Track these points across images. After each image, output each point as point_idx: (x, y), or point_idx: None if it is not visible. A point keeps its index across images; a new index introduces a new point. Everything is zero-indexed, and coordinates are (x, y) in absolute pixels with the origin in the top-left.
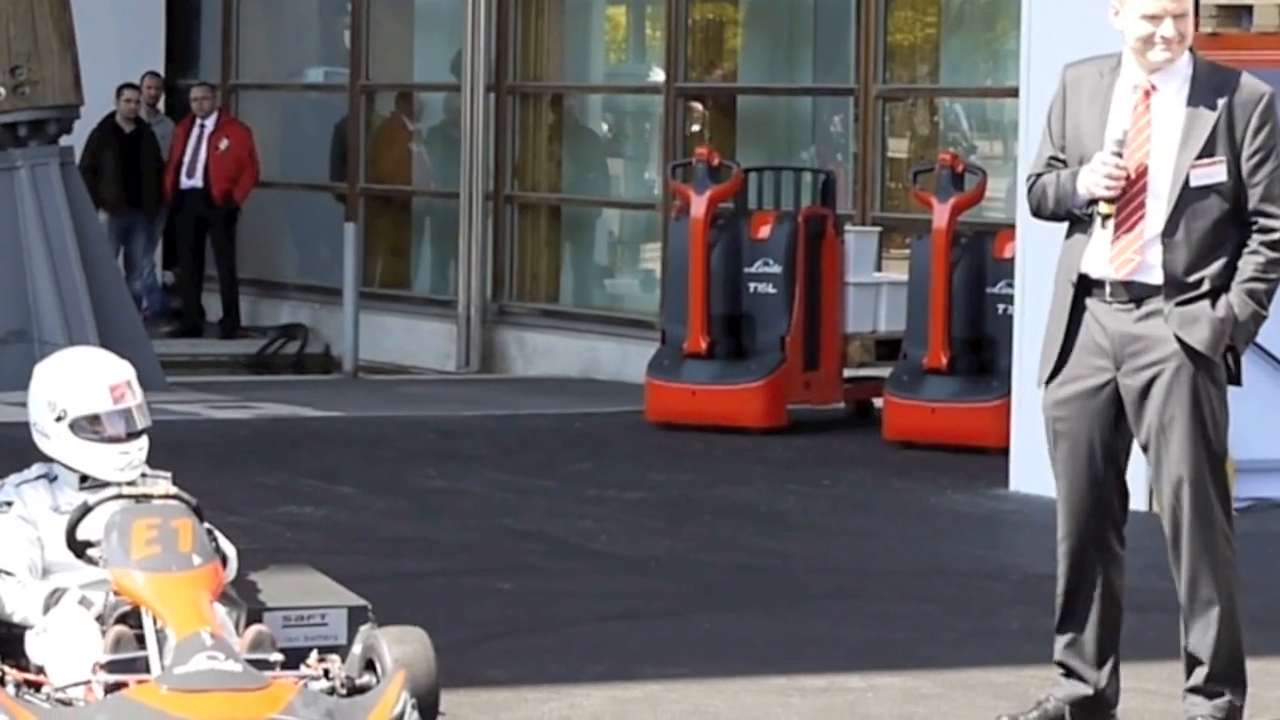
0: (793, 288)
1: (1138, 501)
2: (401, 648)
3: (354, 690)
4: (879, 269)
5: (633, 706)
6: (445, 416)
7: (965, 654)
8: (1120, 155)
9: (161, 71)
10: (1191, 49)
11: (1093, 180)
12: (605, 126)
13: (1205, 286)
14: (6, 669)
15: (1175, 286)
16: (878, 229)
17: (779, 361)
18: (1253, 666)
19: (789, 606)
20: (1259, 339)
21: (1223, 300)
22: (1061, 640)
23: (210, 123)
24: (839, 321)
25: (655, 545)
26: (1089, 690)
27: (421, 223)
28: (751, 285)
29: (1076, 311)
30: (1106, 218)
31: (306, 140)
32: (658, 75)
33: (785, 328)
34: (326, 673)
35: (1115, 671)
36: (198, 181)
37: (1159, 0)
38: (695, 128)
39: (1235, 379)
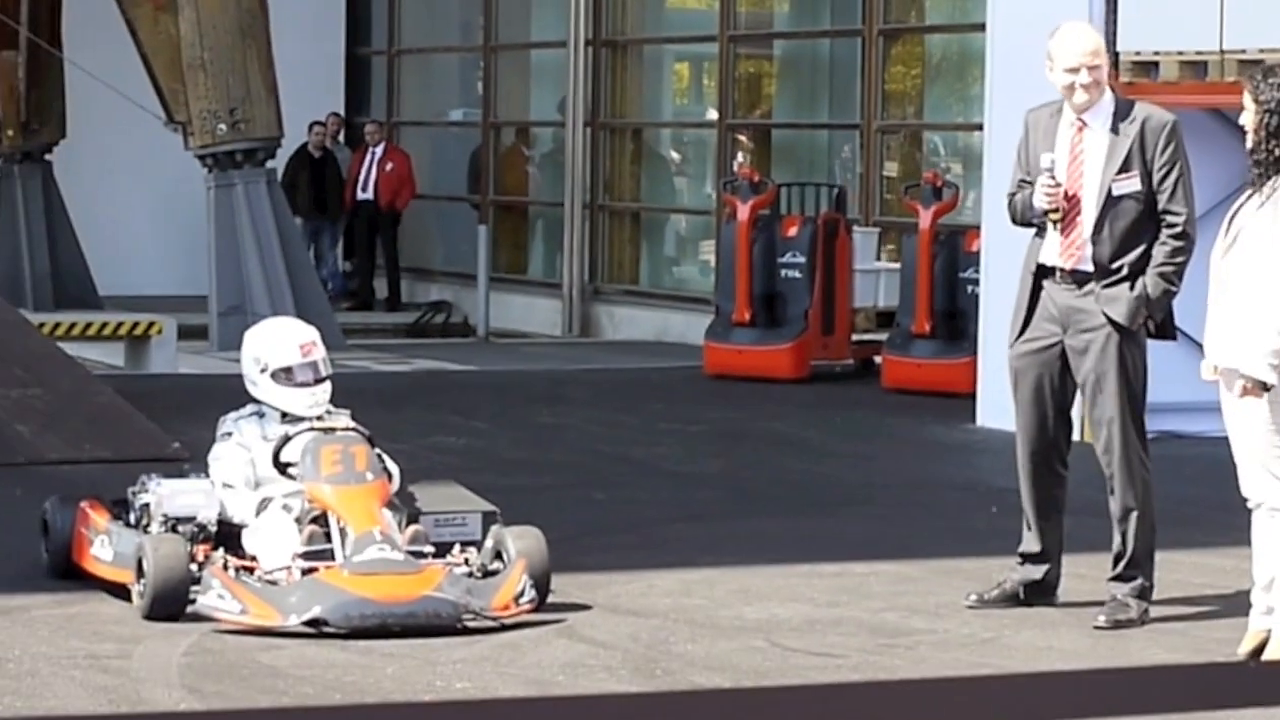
0: (814, 273)
1: (1076, 434)
2: (522, 542)
3: (486, 574)
4: (879, 259)
5: (695, 586)
6: (554, 370)
7: (943, 547)
8: (1052, 175)
9: (342, 111)
10: (1112, 88)
11: (1038, 197)
12: (673, 153)
13: (1125, 271)
14: (228, 557)
15: (1103, 272)
16: (878, 229)
17: (803, 329)
18: (1158, 556)
19: (810, 511)
20: None
21: (1140, 281)
22: (1025, 536)
23: (379, 150)
24: (849, 298)
25: (711, 465)
26: (1038, 575)
27: (535, 225)
28: (783, 271)
29: (1036, 290)
30: (1054, 223)
31: (450, 163)
32: (712, 114)
33: (808, 303)
34: (466, 561)
35: (1059, 561)
36: (370, 194)
37: (1076, 57)
38: (740, 155)
39: (1169, 335)
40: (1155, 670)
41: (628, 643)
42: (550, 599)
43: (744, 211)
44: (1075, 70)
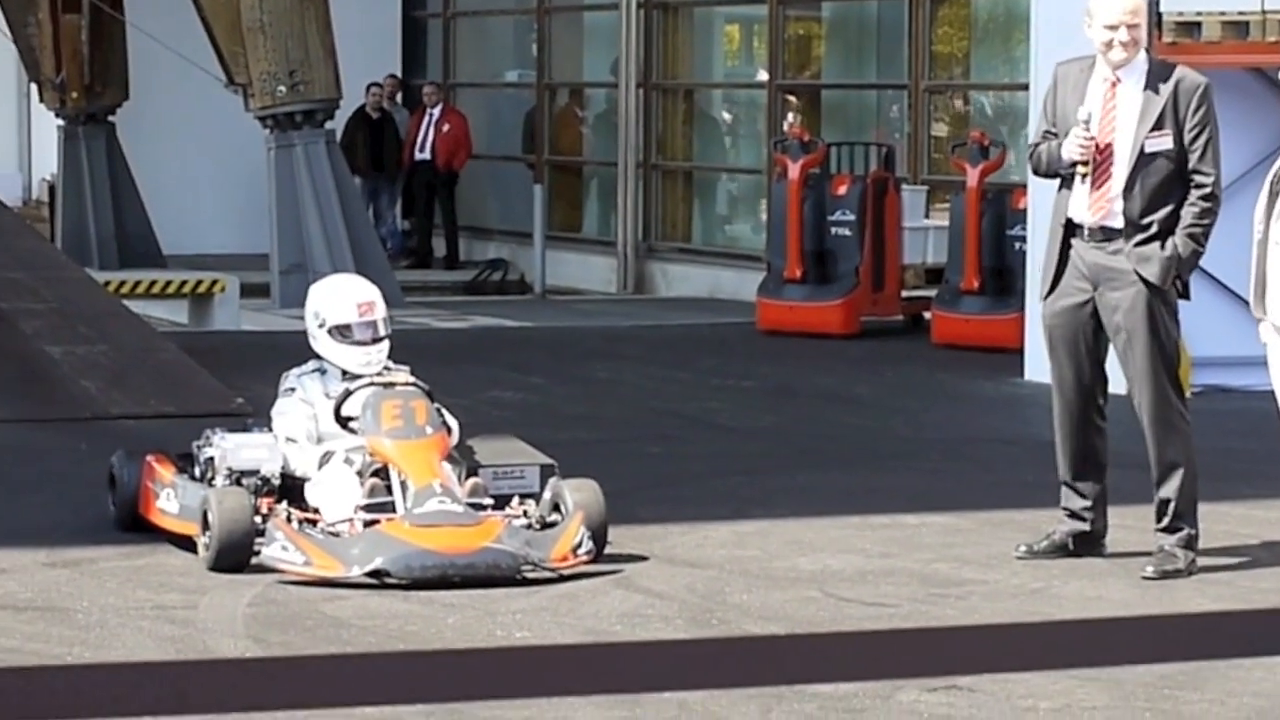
0: (864, 231)
1: (1120, 387)
2: (579, 494)
3: (545, 526)
4: (927, 217)
5: (748, 538)
6: (608, 326)
7: (993, 499)
8: (1087, 128)
9: (399, 73)
10: (1147, 50)
11: (1069, 148)
12: (725, 114)
13: (1155, 229)
14: (291, 510)
15: (1133, 228)
16: (926, 188)
17: (854, 285)
18: (1203, 508)
19: (861, 465)
20: (1210, 269)
21: (1170, 241)
22: (1063, 490)
23: (437, 111)
24: (898, 255)
25: (763, 420)
26: (1085, 527)
27: (590, 184)
28: (833, 229)
29: (1065, 247)
30: (1084, 175)
31: (506, 124)
32: (763, 75)
33: (858, 260)
34: (525, 513)
35: (1104, 512)
36: (427, 155)
37: (1117, 14)
38: (790, 115)
39: (1185, 295)
40: (1202, 619)
41: (683, 593)
42: (607, 550)
43: (794, 170)
44: (1114, 27)
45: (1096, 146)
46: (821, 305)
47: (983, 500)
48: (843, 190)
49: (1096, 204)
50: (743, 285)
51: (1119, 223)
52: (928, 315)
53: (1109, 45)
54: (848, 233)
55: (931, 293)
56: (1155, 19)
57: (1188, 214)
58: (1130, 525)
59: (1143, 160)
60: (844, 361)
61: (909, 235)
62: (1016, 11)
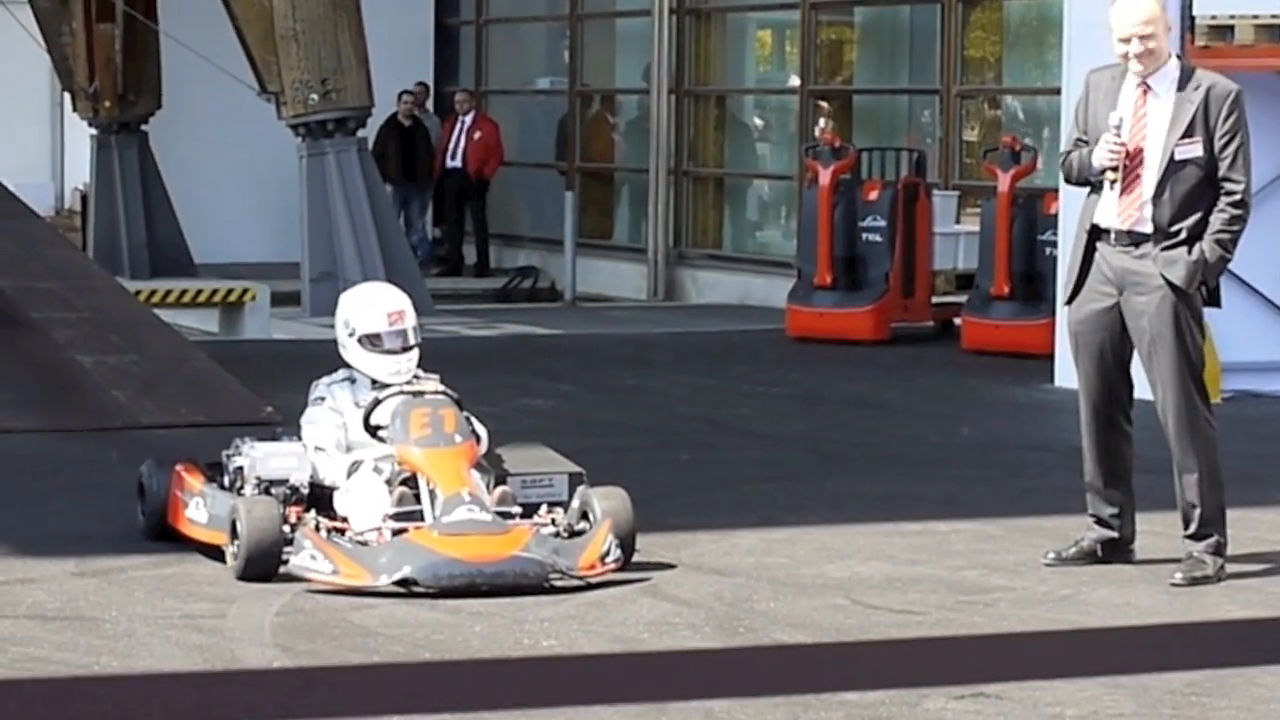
0: (894, 237)
1: (1146, 392)
2: (607, 502)
3: (573, 534)
4: (958, 222)
5: (777, 545)
6: (638, 333)
7: (1022, 506)
8: (1118, 134)
9: (430, 81)
10: (1179, 56)
11: (1100, 155)
12: (756, 119)
13: (1183, 235)
14: (320, 519)
15: (1162, 234)
16: (957, 193)
17: (884, 291)
18: (1232, 514)
19: (891, 471)
20: (1243, 274)
21: (1197, 247)
22: (1090, 497)
23: (469, 119)
24: (928, 261)
25: (793, 426)
26: (1114, 534)
27: (621, 191)
28: (864, 235)
29: (1090, 252)
30: (1113, 181)
31: (537, 131)
32: (794, 80)
33: (889, 266)
34: (553, 521)
35: (1132, 519)
36: (458, 162)
37: (1127, 27)
38: (822, 120)
39: (1215, 302)
40: (1230, 625)
41: (711, 601)
42: (635, 558)
43: (825, 176)
44: (1127, 40)
45: (1126, 152)
46: (852, 311)
47: (1012, 507)
48: (873, 196)
49: (1126, 210)
50: (773, 292)
51: (1148, 228)
52: (958, 321)
53: (1125, 58)
54: (878, 239)
55: (962, 298)
56: (1188, 22)
57: (1216, 220)
58: (1159, 531)
59: (1173, 167)
60: (874, 368)
61: (940, 241)
62: (1049, 16)
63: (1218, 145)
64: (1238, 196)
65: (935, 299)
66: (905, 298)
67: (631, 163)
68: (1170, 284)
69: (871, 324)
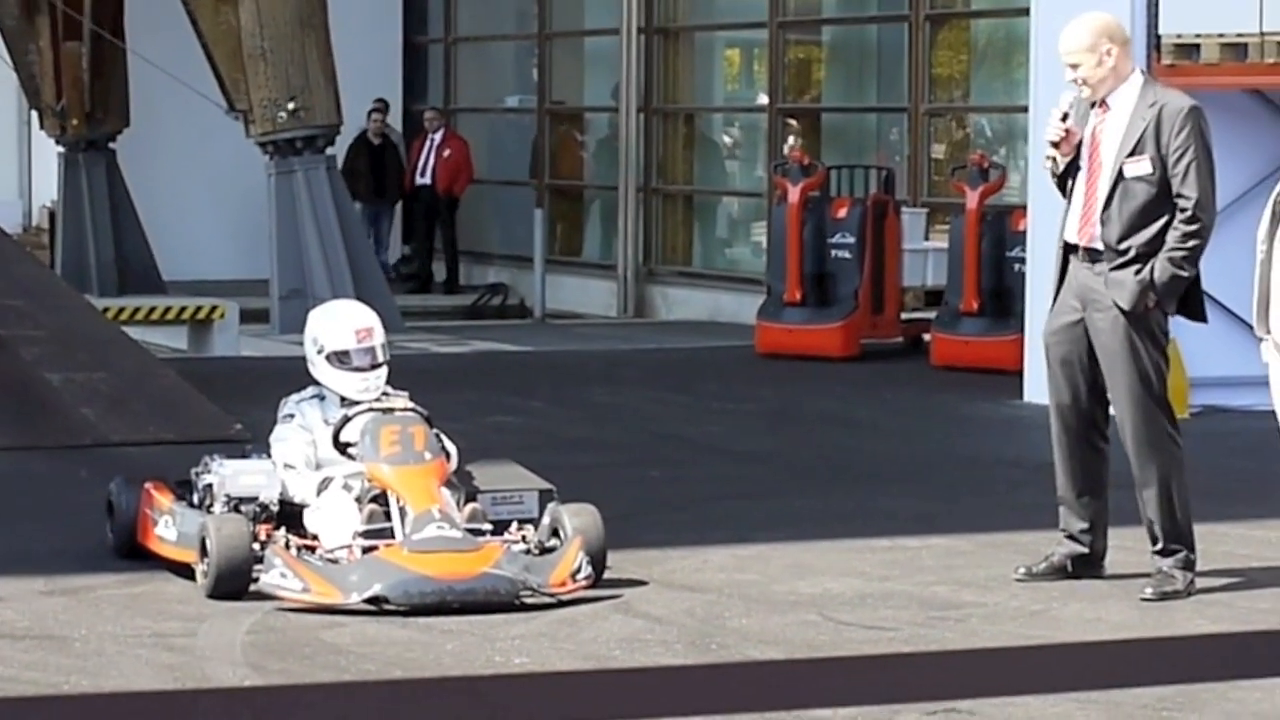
0: (863, 253)
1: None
2: (578, 519)
3: (544, 551)
4: (927, 239)
5: (748, 561)
6: (608, 350)
7: (993, 521)
8: (1065, 120)
9: (399, 98)
10: (1144, 72)
11: (1047, 130)
12: (725, 137)
13: (1133, 253)
14: (290, 536)
15: (1112, 252)
16: (926, 210)
17: (853, 308)
18: (1201, 529)
19: (861, 487)
20: (1210, 289)
21: (1148, 266)
22: (1061, 511)
23: (438, 137)
24: (897, 278)
25: (763, 443)
26: (1084, 549)
27: (590, 208)
28: (833, 252)
29: (1065, 266)
30: (1053, 162)
31: (505, 148)
32: (763, 99)
33: (858, 283)
34: (524, 538)
35: (1104, 534)
36: (428, 180)
37: (1063, 55)
38: (790, 138)
39: (1199, 317)
40: (1201, 640)
41: (683, 618)
42: (606, 575)
43: (794, 194)
44: (1067, 67)
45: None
46: (821, 328)
47: (983, 522)
48: (842, 213)
49: (1083, 227)
50: (743, 308)
51: (1100, 245)
52: (927, 337)
53: (1072, 81)
54: (848, 255)
55: (931, 315)
56: (1154, 41)
57: (1170, 237)
58: (1130, 546)
59: (1120, 184)
60: (844, 384)
61: (909, 258)
62: (1016, 34)
63: (1170, 161)
64: (1189, 213)
65: (904, 315)
66: (874, 314)
67: (601, 180)
68: (1118, 305)
69: (841, 340)
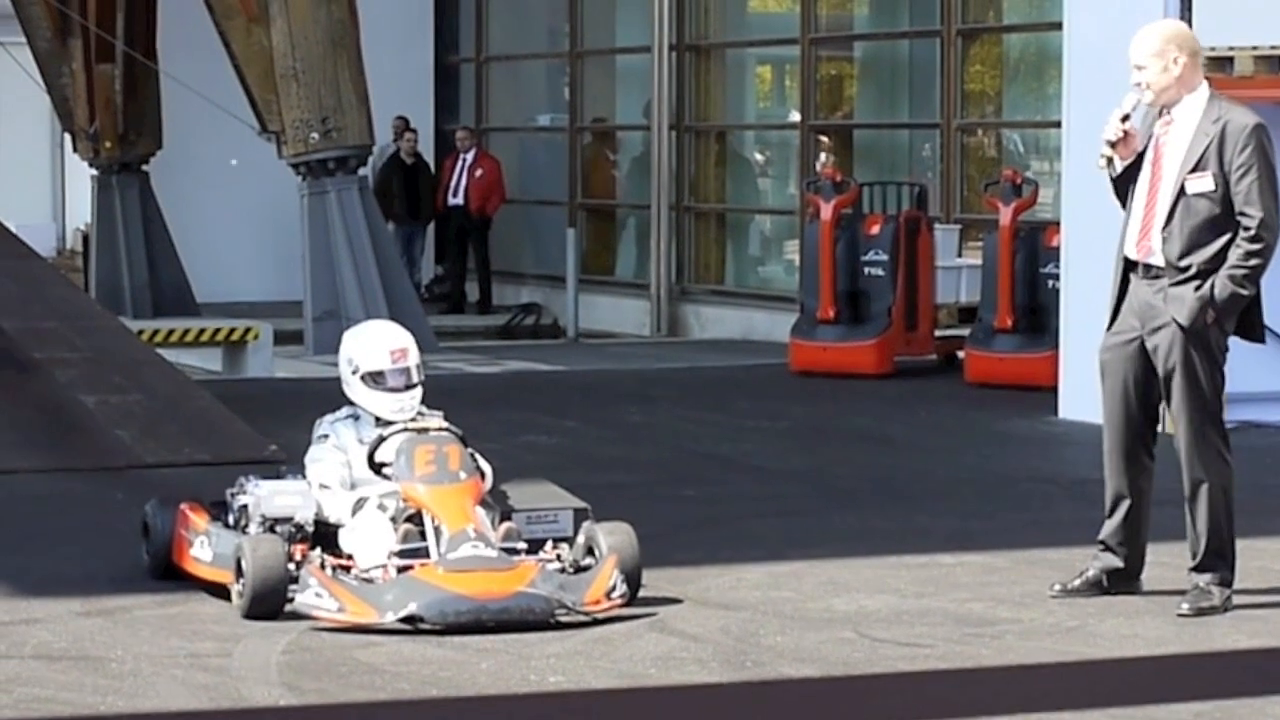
0: (897, 270)
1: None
2: (613, 538)
3: (578, 570)
4: (960, 255)
5: (783, 579)
6: (642, 369)
7: (1028, 538)
8: (1128, 119)
9: (431, 119)
10: (1211, 86)
11: (1105, 131)
12: (757, 154)
13: (1194, 270)
14: (325, 556)
15: (1172, 269)
16: (959, 226)
17: (887, 325)
18: (1239, 545)
19: (896, 504)
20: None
21: (1208, 283)
22: (1106, 524)
23: (470, 156)
24: (931, 294)
25: (797, 461)
26: (1120, 563)
27: (623, 227)
28: (866, 269)
29: (1125, 283)
30: (1108, 162)
31: (538, 168)
32: (795, 116)
33: (891, 300)
34: (559, 557)
35: (1141, 550)
36: (460, 200)
37: (1132, 58)
38: (822, 155)
39: (1258, 337)
40: (1238, 656)
41: (718, 635)
42: (641, 593)
43: (827, 211)
44: (1134, 68)
45: (1151, 183)
46: (855, 345)
47: (1018, 539)
48: (875, 230)
49: (1141, 242)
50: (776, 326)
51: (1160, 261)
52: (961, 354)
53: (1137, 85)
54: (881, 273)
55: (965, 332)
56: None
57: (1232, 255)
58: (1166, 562)
59: (1182, 200)
60: (878, 402)
61: (942, 274)
62: (1049, 49)
63: (1233, 179)
64: (1253, 231)
65: (938, 332)
66: (908, 331)
67: (633, 199)
68: (1176, 321)
69: (875, 358)
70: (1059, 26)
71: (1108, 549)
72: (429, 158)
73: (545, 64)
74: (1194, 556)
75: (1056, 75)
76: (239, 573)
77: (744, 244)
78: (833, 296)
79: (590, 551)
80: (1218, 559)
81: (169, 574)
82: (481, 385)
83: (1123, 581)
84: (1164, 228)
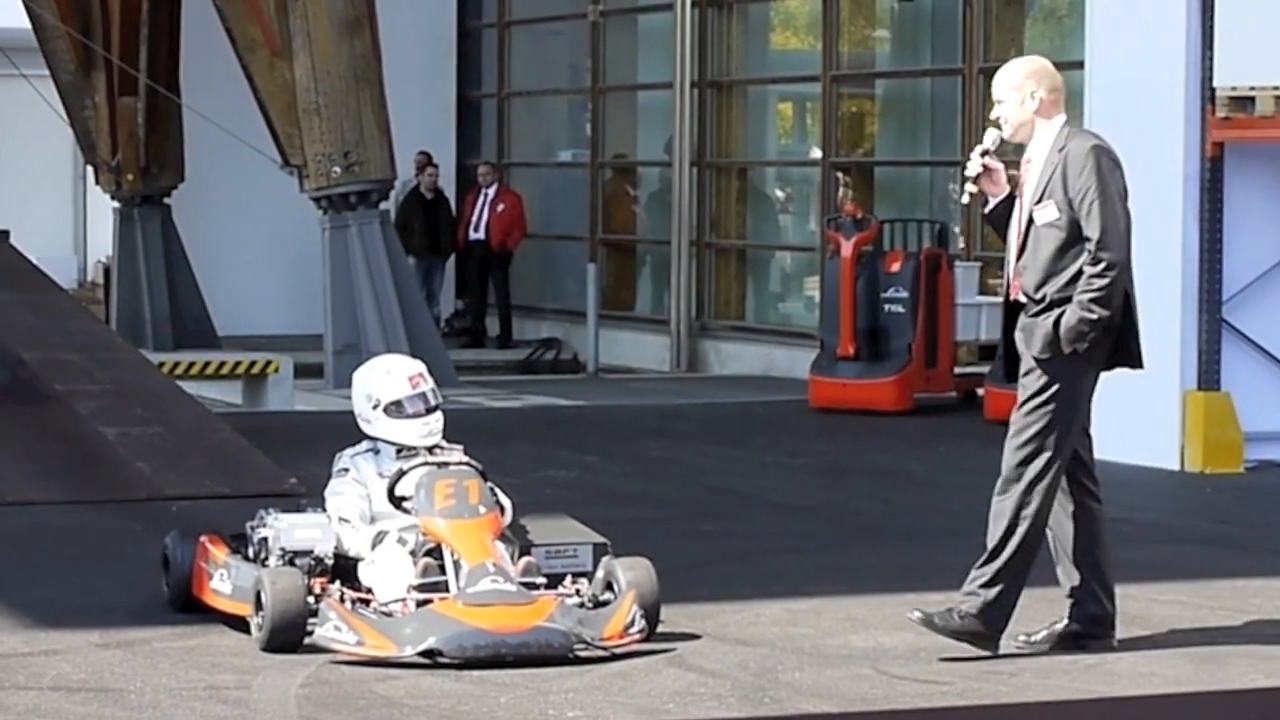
0: (917, 308)
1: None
2: (632, 573)
3: (597, 605)
4: (980, 293)
5: (802, 615)
6: (661, 404)
7: (1045, 575)
8: (988, 152)
9: (453, 154)
10: (1067, 123)
11: (967, 168)
12: (778, 191)
13: (1047, 300)
14: (344, 590)
15: (1030, 301)
16: (979, 264)
17: (907, 362)
18: (1257, 584)
19: (915, 541)
20: (1263, 342)
21: (1056, 313)
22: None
23: (491, 191)
24: (951, 332)
25: (817, 497)
26: (1095, 610)
27: (643, 263)
28: (886, 306)
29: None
30: (970, 195)
31: (559, 203)
32: (816, 153)
33: (911, 337)
34: (578, 591)
35: (1109, 598)
36: (481, 234)
37: (993, 93)
38: (843, 192)
39: (1134, 364)
40: (1256, 695)
41: (736, 671)
42: (660, 629)
43: (847, 248)
44: (996, 103)
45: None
46: (875, 382)
47: (1036, 576)
48: (896, 267)
49: (1015, 281)
50: (796, 363)
51: (1024, 297)
52: (981, 392)
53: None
54: (901, 310)
55: (985, 369)
56: (1209, 94)
57: (1080, 281)
58: (1184, 600)
59: (1032, 231)
60: (897, 438)
61: (962, 312)
62: (1070, 85)
63: (1075, 204)
64: (1093, 253)
65: (958, 370)
66: (928, 368)
67: (654, 234)
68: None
69: (894, 395)
70: (1081, 65)
71: (1076, 598)
72: (450, 193)
73: (567, 100)
74: (981, 564)
75: (1078, 114)
76: (258, 605)
77: (764, 280)
78: (853, 333)
79: (609, 586)
80: (995, 581)
81: (189, 606)
82: (501, 420)
83: (1095, 629)
84: (1018, 261)
